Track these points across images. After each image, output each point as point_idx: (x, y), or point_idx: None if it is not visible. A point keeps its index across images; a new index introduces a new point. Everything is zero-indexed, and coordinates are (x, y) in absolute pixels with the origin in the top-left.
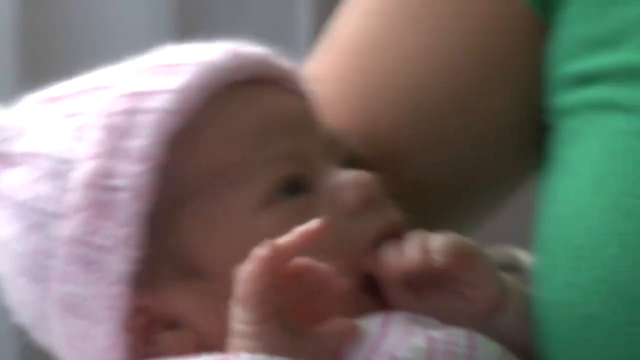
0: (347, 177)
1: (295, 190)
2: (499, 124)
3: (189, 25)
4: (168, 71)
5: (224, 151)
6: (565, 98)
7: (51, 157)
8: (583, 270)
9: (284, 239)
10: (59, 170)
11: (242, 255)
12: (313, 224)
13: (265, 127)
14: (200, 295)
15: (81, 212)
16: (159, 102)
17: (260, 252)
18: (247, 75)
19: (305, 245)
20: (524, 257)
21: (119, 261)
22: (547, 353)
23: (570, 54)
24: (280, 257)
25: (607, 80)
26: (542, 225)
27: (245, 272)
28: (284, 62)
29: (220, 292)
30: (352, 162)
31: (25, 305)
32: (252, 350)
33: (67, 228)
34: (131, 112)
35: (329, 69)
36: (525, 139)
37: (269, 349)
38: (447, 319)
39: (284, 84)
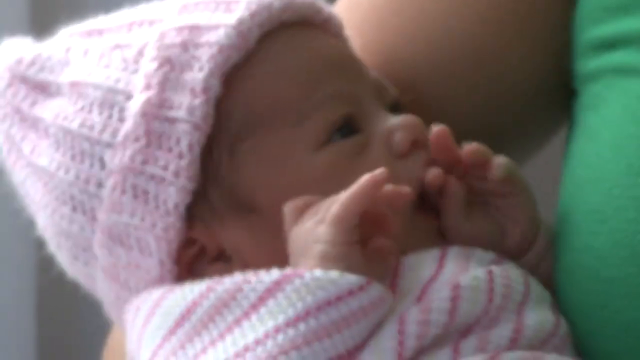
0: (396, 120)
1: (349, 131)
2: (518, 84)
3: None
4: (222, 7)
5: (279, 89)
6: (589, 63)
7: (101, 87)
8: (601, 234)
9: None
10: (111, 99)
11: (296, 192)
12: (376, 173)
13: (317, 67)
14: (252, 229)
15: (136, 141)
16: (216, 36)
17: (365, 177)
18: (296, 17)
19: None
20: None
21: (174, 192)
22: (566, 318)
23: (596, 19)
24: (378, 187)
25: (630, 45)
26: (563, 189)
27: (349, 193)
28: (327, 7)
29: (272, 227)
30: (397, 107)
31: (65, 234)
32: (330, 269)
33: (120, 157)
34: (188, 45)
35: (347, 26)
36: (551, 101)
37: (347, 270)
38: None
39: (328, 28)
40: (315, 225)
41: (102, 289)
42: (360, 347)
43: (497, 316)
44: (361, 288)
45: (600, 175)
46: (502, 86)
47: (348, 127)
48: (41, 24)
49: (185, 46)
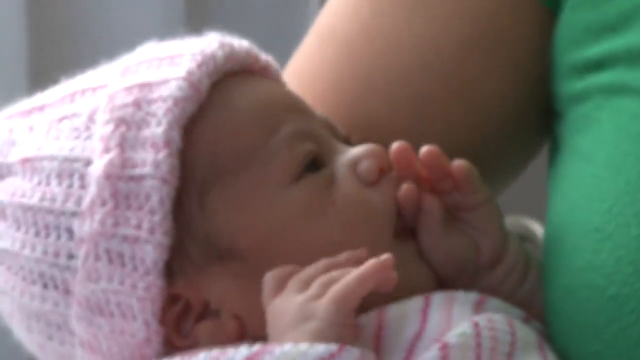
0: (359, 150)
1: (315, 167)
2: (495, 110)
3: (197, 25)
4: (166, 62)
5: (240, 133)
6: (574, 85)
7: (56, 158)
8: (604, 251)
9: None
10: (68, 168)
11: (276, 230)
12: (385, 259)
13: (272, 109)
14: (236, 277)
15: (103, 205)
16: (168, 90)
17: (373, 262)
18: (238, 66)
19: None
20: (537, 227)
21: (151, 250)
22: (568, 339)
23: (578, 41)
24: (387, 272)
25: (616, 65)
26: (555, 212)
27: (357, 275)
28: (263, 55)
29: (257, 272)
30: (348, 144)
31: (36, 316)
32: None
33: (88, 224)
34: (140, 103)
35: (318, 61)
36: (531, 125)
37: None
38: (460, 267)
39: (267, 74)
40: (309, 300)
41: None
42: None
43: None
44: (332, 356)
45: (598, 195)
46: (479, 113)
47: (313, 164)
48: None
49: (137, 104)
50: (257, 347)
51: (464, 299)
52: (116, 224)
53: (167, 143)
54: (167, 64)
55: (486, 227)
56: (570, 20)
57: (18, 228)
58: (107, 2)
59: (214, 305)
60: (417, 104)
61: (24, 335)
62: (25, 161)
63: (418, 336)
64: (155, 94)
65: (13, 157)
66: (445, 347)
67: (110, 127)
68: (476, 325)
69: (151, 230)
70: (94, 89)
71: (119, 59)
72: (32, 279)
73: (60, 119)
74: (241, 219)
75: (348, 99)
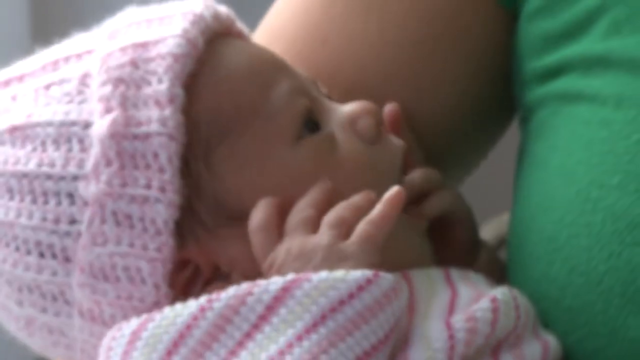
0: (353, 107)
1: (312, 124)
2: (454, 108)
3: None
4: (156, 23)
5: (239, 91)
6: (534, 91)
7: (51, 123)
8: (557, 262)
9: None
10: (66, 132)
11: (285, 190)
12: (397, 191)
13: (266, 67)
14: (247, 238)
15: (109, 166)
16: (166, 48)
17: (390, 197)
18: (222, 28)
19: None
20: None
21: (162, 209)
22: None
23: (538, 50)
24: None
25: (571, 71)
26: (516, 220)
27: (380, 212)
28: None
29: None
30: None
31: (28, 288)
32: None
33: (94, 186)
34: (137, 62)
35: None
36: (491, 124)
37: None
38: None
39: (245, 38)
40: (335, 241)
41: (77, 338)
42: (384, 342)
43: (521, 334)
44: (369, 281)
45: (551, 204)
46: (439, 106)
47: (311, 121)
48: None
49: (134, 63)
50: (291, 275)
51: (475, 276)
52: (123, 184)
53: (172, 99)
54: (157, 24)
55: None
56: (528, 29)
57: (11, 197)
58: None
59: (225, 268)
60: (373, 98)
61: (12, 311)
62: (13, 129)
63: (453, 301)
64: (153, 52)
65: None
66: (495, 300)
67: (108, 88)
68: (510, 290)
69: (161, 189)
70: (78, 55)
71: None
72: (27, 249)
73: (47, 86)
74: (248, 178)
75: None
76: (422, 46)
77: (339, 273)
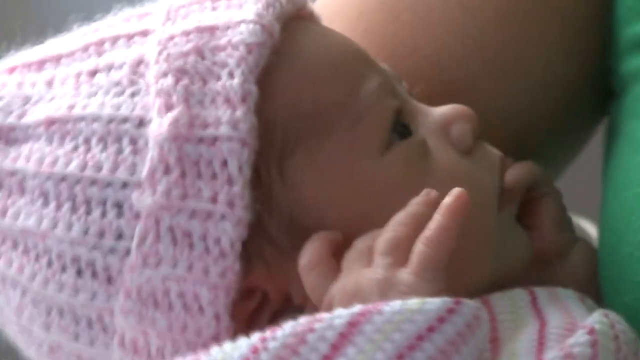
0: (447, 111)
1: (402, 129)
2: (546, 89)
3: None
4: (223, 4)
5: (320, 88)
6: (630, 63)
7: (98, 118)
8: None
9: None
10: (116, 130)
11: (371, 206)
12: (457, 194)
13: (349, 60)
14: None
15: (168, 173)
16: (238, 35)
17: (447, 205)
18: (295, 10)
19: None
20: (591, 229)
21: (229, 227)
22: None
23: (636, 13)
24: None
25: None
26: (609, 215)
27: (437, 228)
28: None
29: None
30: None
31: (59, 311)
32: None
33: (148, 196)
34: (203, 51)
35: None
36: (586, 106)
37: None
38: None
39: (316, 20)
40: (390, 272)
41: None
42: None
43: None
44: (450, 311)
45: None
46: (528, 94)
47: (400, 124)
48: None
49: (200, 52)
50: (358, 307)
51: (564, 293)
52: (184, 195)
53: (245, 98)
54: (224, 5)
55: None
56: None
57: (46, 203)
58: None
59: (297, 299)
60: (455, 89)
61: (35, 335)
62: (50, 122)
63: (542, 331)
64: (222, 40)
65: (31, 117)
66: (593, 332)
67: (169, 80)
68: (607, 315)
69: (230, 204)
70: (129, 36)
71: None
72: (62, 265)
73: (91, 72)
74: (330, 191)
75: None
76: (509, 23)
77: (415, 302)
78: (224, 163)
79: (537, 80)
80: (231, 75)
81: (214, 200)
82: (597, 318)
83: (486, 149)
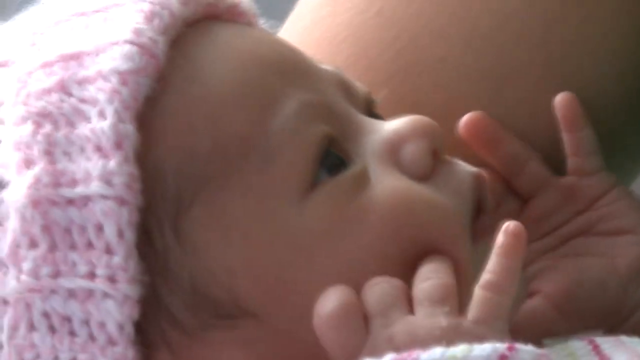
0: (400, 127)
1: (334, 159)
2: (606, 78)
3: None
4: (101, 18)
5: (220, 118)
6: None
7: None
8: None
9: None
10: None
11: (296, 269)
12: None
13: (261, 76)
14: (248, 343)
15: (33, 248)
16: (109, 61)
17: (510, 241)
18: (201, 11)
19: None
20: None
21: (114, 307)
22: None
23: None
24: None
25: None
26: None
27: (503, 267)
28: None
29: (275, 328)
30: (371, 107)
31: None
32: None
33: (12, 279)
34: (69, 85)
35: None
36: None
37: None
38: (586, 288)
39: (237, 17)
40: (454, 320)
41: None
42: None
43: None
44: (503, 357)
45: None
46: (580, 82)
47: (331, 155)
48: None
49: (65, 88)
50: (390, 356)
51: (631, 341)
52: (56, 273)
53: (119, 143)
54: (99, 20)
55: (621, 226)
56: None
57: None
58: None
59: None
60: (493, 76)
61: None
62: None
63: None
64: (91, 70)
65: None
66: None
67: (28, 128)
68: None
69: (111, 279)
70: None
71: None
72: None
73: None
74: (240, 253)
75: (390, 68)
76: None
77: (460, 349)
78: (100, 228)
79: (591, 66)
80: (102, 115)
81: (91, 275)
82: None
83: (454, 169)
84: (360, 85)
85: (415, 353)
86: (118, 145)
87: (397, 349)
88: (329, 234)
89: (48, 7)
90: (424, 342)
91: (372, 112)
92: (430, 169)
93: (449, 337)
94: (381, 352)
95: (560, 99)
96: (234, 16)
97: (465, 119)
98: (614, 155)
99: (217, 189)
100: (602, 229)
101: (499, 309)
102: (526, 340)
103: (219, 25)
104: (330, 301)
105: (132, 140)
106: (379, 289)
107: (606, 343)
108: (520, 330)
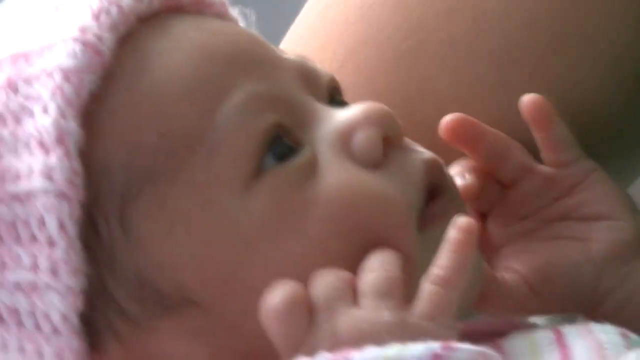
0: (350, 114)
1: (284, 148)
2: (616, 66)
3: None
4: (50, 14)
5: (166, 112)
6: None
7: None
8: None
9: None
10: None
11: (240, 260)
12: (464, 227)
13: (211, 68)
14: (194, 333)
15: None
16: (54, 59)
17: (461, 236)
18: (157, 4)
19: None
20: None
21: (57, 298)
22: None
23: None
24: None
25: None
26: None
27: (452, 262)
28: None
29: (223, 321)
30: (336, 96)
31: None
32: None
33: None
34: (15, 82)
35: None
36: None
37: None
38: (560, 269)
39: (202, 8)
40: (400, 314)
41: None
42: None
43: None
44: (437, 357)
45: None
46: (588, 69)
47: (281, 143)
48: None
49: (12, 85)
50: (323, 357)
51: (601, 328)
52: (2, 266)
53: (61, 138)
54: (48, 17)
55: (598, 210)
56: None
57: None
58: None
59: None
60: (499, 59)
61: None
62: None
63: None
64: (36, 67)
65: None
66: None
67: None
68: None
69: (52, 271)
70: None
71: None
72: None
73: None
74: (185, 245)
75: (399, 48)
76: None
77: (393, 350)
78: (43, 222)
79: (603, 52)
80: (45, 111)
81: (35, 268)
82: (632, 357)
83: (406, 156)
84: (324, 73)
85: (349, 353)
86: (60, 140)
87: (340, 342)
88: (272, 227)
89: (4, 6)
90: (367, 336)
91: (335, 99)
92: (381, 156)
93: (392, 332)
94: (324, 345)
95: (526, 101)
96: (200, 7)
97: (443, 122)
98: (614, 157)
99: (163, 182)
100: (580, 213)
101: (447, 304)
102: (499, 315)
103: (177, 18)
104: (277, 294)
105: (75, 136)
106: (324, 281)
107: (572, 333)
108: (495, 305)
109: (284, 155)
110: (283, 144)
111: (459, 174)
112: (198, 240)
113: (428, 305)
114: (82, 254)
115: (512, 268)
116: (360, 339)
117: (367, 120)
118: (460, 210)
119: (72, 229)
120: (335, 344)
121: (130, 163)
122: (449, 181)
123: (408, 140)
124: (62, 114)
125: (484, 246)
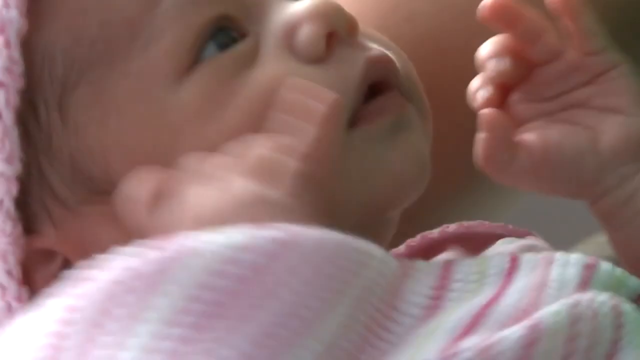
0: (300, 8)
1: (228, 39)
2: None
3: None
4: None
5: (110, 3)
6: None
7: None
8: None
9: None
10: None
11: (165, 149)
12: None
13: None
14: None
15: None
16: None
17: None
18: None
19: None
20: None
21: None
22: None
23: None
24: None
25: None
26: None
27: (316, 138)
28: None
29: None
30: None
31: None
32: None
33: None
34: None
35: None
36: None
37: None
38: (560, 145)
39: None
40: (258, 192)
41: None
42: None
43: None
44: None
45: None
46: None
47: (226, 34)
48: None
49: None
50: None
51: (565, 260)
52: None
53: (2, 28)
54: None
55: (612, 104)
56: None
57: None
58: None
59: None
60: None
61: None
62: None
63: (487, 307)
64: None
65: None
66: (535, 329)
67: None
68: (576, 306)
69: None
70: None
71: None
72: None
73: None
74: (115, 132)
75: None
76: None
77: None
78: None
79: None
80: None
81: None
82: (553, 309)
83: (351, 53)
84: None
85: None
86: (1, 30)
87: (201, 225)
88: (197, 115)
89: None
90: (229, 217)
91: None
92: (323, 53)
93: (252, 210)
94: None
95: None
96: None
97: (486, 4)
98: None
99: (101, 71)
100: (597, 103)
101: (310, 180)
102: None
103: None
104: (137, 179)
105: (16, 25)
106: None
107: (528, 263)
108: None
109: (226, 46)
110: (227, 35)
111: (496, 55)
112: (126, 127)
113: (290, 183)
114: (19, 141)
115: (521, 141)
116: (217, 220)
117: (313, 15)
118: (407, 108)
119: (9, 116)
120: (197, 228)
121: (72, 50)
122: (399, 78)
123: (367, 37)
124: (5, 3)
125: (507, 119)
